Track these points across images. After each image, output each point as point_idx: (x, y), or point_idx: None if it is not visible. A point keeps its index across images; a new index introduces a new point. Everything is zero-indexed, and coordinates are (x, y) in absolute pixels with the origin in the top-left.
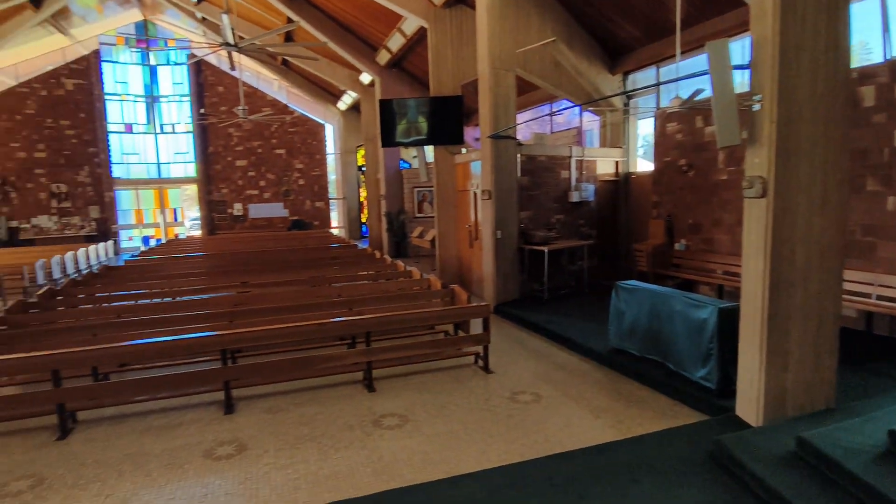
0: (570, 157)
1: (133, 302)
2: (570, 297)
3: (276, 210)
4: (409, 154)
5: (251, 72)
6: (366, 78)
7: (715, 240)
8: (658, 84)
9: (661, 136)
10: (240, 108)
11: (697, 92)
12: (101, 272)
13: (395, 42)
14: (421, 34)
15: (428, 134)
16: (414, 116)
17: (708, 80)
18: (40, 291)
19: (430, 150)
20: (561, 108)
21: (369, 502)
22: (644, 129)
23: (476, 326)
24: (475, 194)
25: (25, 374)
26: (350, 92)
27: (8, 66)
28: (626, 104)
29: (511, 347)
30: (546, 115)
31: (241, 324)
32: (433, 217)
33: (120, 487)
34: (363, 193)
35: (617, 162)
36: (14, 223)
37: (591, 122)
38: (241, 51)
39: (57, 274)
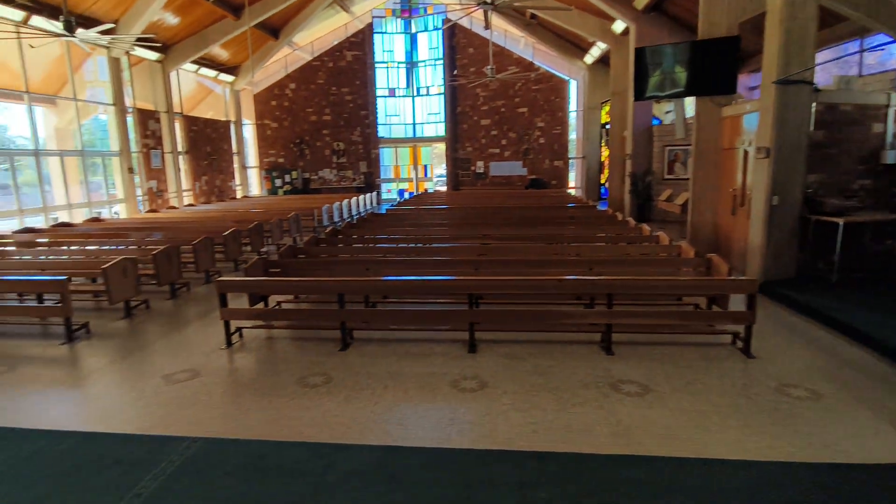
0: (887, 105)
1: (394, 245)
2: (869, 282)
3: (515, 168)
4: (661, 109)
5: (499, 31)
6: (618, 26)
7: None
8: None
9: None
10: (488, 67)
11: None
12: (369, 218)
13: None
14: None
15: (688, 84)
16: (671, 65)
17: None
18: (327, 230)
19: (689, 104)
20: (874, 44)
21: (610, 462)
22: None
23: (736, 303)
24: (745, 153)
25: (320, 294)
26: (599, 43)
27: (306, 44)
28: None
29: (780, 332)
30: (854, 52)
31: (485, 272)
32: (686, 179)
33: (385, 398)
34: (605, 153)
35: None
36: (306, 175)
37: None
38: (495, 9)
39: (336, 217)
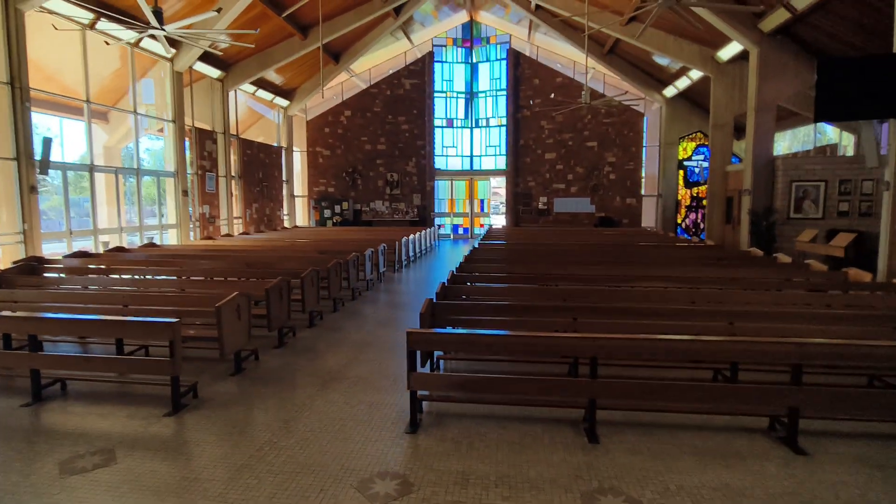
0: None
1: (551, 284)
2: None
3: (583, 205)
4: (739, 146)
5: (567, 61)
6: (725, 53)
7: None
8: None
9: None
10: (583, 91)
11: None
12: (477, 254)
13: None
14: None
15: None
16: (870, 80)
17: None
18: (457, 269)
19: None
20: None
21: None
22: None
23: None
24: None
25: (560, 354)
26: (690, 75)
27: (363, 71)
28: None
29: None
30: None
31: (743, 329)
32: (816, 219)
33: None
34: (682, 191)
35: None
36: (357, 206)
37: None
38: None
39: (411, 252)
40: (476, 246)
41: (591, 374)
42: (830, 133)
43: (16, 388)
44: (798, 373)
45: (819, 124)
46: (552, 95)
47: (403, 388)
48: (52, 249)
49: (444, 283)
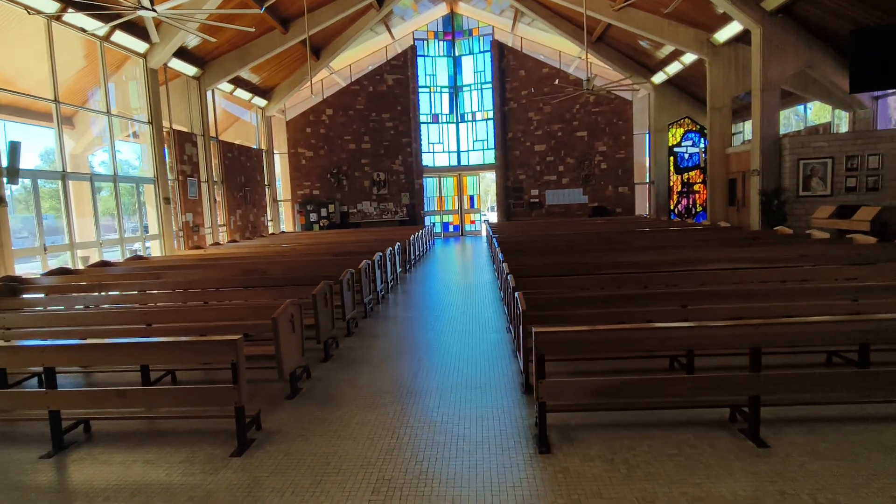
0: None
1: (620, 272)
2: None
3: (575, 196)
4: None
5: (553, 51)
6: (722, 35)
7: None
8: None
9: None
10: (585, 79)
11: None
12: (504, 248)
13: None
14: None
15: None
16: None
17: None
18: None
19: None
20: None
21: None
22: None
23: None
24: None
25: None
26: (682, 59)
27: (342, 68)
28: None
29: None
30: None
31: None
32: (823, 196)
33: None
34: (673, 177)
35: None
36: (344, 208)
37: None
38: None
39: (418, 251)
40: (495, 240)
41: (752, 366)
42: (810, 115)
43: (24, 436)
44: None
45: (798, 106)
46: (556, 82)
47: (499, 398)
48: (23, 269)
49: (513, 276)
